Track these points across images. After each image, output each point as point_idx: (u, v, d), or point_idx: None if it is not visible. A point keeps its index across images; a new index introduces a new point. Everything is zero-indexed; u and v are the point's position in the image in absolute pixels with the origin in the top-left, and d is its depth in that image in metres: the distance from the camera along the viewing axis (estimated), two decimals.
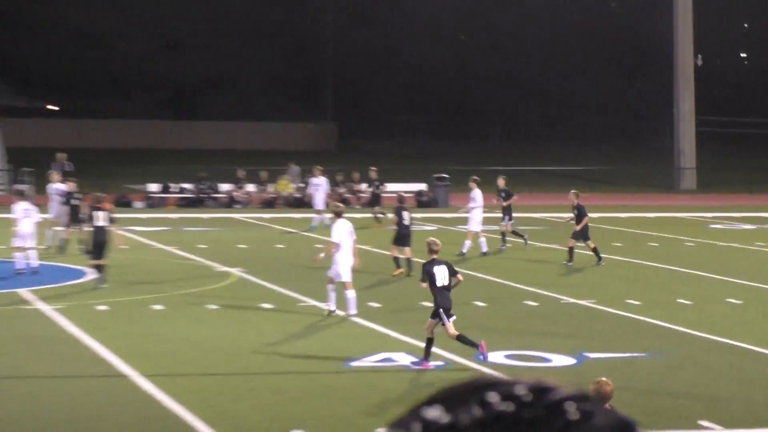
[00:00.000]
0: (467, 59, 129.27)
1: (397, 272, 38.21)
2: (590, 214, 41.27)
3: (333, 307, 30.80)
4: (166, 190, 65.97)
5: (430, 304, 32.52)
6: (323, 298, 33.32)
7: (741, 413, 21.75)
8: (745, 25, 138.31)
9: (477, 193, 44.05)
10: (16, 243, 37.49)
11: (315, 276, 37.94)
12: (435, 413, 1.56)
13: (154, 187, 66.63)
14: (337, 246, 30.76)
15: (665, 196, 74.41)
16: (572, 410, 1.52)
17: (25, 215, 37.45)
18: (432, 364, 25.41)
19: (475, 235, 43.33)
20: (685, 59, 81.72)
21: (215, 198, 64.61)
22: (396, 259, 38.50)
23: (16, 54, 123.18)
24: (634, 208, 63.60)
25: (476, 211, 43.65)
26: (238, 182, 63.78)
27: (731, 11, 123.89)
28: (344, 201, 51.80)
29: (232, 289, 35.88)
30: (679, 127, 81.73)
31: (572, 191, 43.98)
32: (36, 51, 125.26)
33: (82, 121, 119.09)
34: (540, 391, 1.54)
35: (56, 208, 44.19)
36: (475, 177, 45.76)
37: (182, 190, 65.79)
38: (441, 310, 25.63)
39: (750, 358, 26.54)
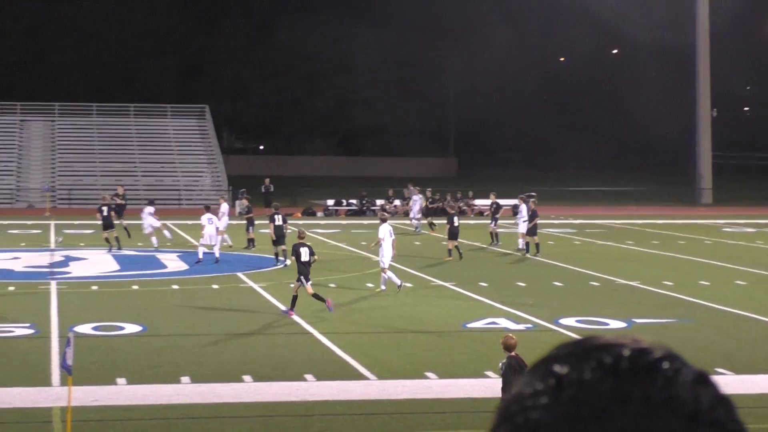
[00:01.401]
0: (542, 108, 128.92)
1: (448, 258, 39.02)
2: (637, 221, 40.77)
3: (399, 282, 30.51)
4: (338, 204, 66.63)
5: (524, 284, 32.44)
6: (447, 279, 33.31)
7: (746, 363, 21.26)
8: (748, 87, 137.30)
9: (523, 208, 43.56)
10: (202, 241, 37.76)
11: (438, 263, 37.90)
12: (563, 369, 1.38)
13: (330, 202, 67.45)
14: (380, 241, 30.85)
15: (689, 208, 73.42)
16: (667, 367, 1.37)
17: (208, 222, 37.60)
18: (294, 313, 25.92)
19: (523, 236, 42.67)
20: (705, 112, 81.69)
21: (373, 210, 65.05)
22: (449, 251, 39.34)
23: (235, 111, 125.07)
24: (666, 217, 62.76)
25: (523, 220, 42.87)
26: (389, 198, 63.87)
27: (738, 77, 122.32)
28: (462, 212, 51.65)
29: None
30: (700, 159, 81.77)
31: (530, 199, 44.07)
32: (249, 108, 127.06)
33: (281, 157, 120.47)
34: (641, 351, 1.38)
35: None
36: (521, 195, 45.29)
37: (350, 204, 66.30)
38: (302, 276, 26.10)
39: (753, 324, 26.05)
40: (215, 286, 31.78)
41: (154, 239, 42.39)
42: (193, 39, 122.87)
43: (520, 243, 42.60)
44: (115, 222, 41.74)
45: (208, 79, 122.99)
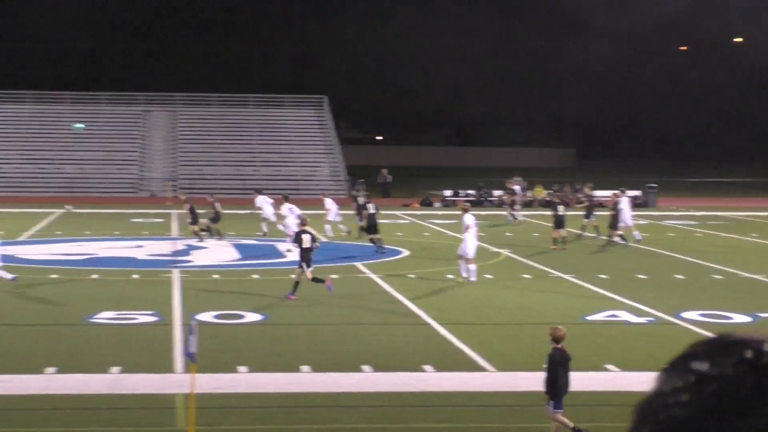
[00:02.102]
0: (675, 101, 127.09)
1: (553, 247, 39.49)
2: (761, 213, 39.92)
3: (465, 275, 30.45)
4: (456, 194, 66.51)
5: (645, 277, 32.01)
6: (566, 271, 33.04)
7: None
8: None
9: (624, 201, 42.89)
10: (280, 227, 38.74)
11: (558, 255, 37.59)
12: (703, 366, 1.37)
13: (448, 192, 67.41)
14: (466, 230, 30.64)
15: None
16: None
17: (290, 212, 38.56)
18: (295, 297, 26.59)
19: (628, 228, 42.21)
20: None
21: (490, 200, 64.93)
22: (554, 239, 39.81)
23: (353, 101, 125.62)
24: None
25: (622, 213, 42.23)
26: (506, 189, 63.56)
27: None
28: (565, 203, 51.51)
29: (503, 263, 35.67)
30: None
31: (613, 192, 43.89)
32: (365, 98, 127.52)
33: (399, 147, 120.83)
34: None
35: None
36: (615, 191, 44.29)
37: (467, 195, 66.13)
38: (303, 263, 26.84)
39: None
40: (333, 276, 31.95)
41: (264, 225, 43.40)
42: (308, 29, 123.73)
43: (636, 235, 42.04)
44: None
45: (326, 69, 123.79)
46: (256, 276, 31.78)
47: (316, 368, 19.37)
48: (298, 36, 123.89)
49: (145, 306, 25.67)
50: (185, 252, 37.87)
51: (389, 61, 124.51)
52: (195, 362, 15.49)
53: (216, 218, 41.93)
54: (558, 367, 14.83)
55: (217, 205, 42.34)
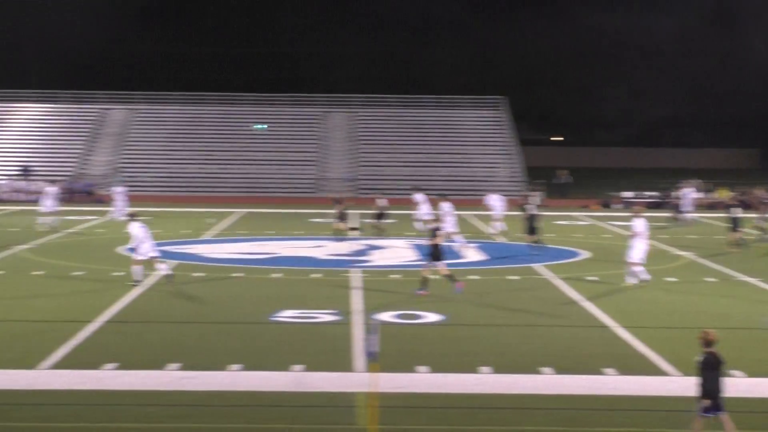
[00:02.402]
0: None
1: (731, 249, 38.97)
2: None
3: (633, 280, 30.00)
4: (637, 196, 65.55)
5: None
6: (753, 275, 32.22)
7: None
8: None
9: None
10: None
11: (743, 258, 36.68)
12: None
13: (628, 194, 66.51)
14: (635, 235, 30.13)
15: None
16: None
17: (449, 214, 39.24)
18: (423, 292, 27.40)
19: None
20: None
21: (669, 202, 63.82)
22: (733, 241, 39.44)
23: (532, 101, 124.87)
24: None
25: None
26: (674, 191, 62.53)
27: None
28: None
29: (685, 266, 34.99)
30: None
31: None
32: (545, 99, 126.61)
33: (578, 148, 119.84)
34: None
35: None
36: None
37: (649, 197, 65.16)
38: (434, 260, 28.12)
39: None
40: (513, 278, 31.86)
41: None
42: (491, 29, 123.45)
43: None
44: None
45: (505, 69, 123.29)
46: (435, 276, 31.87)
47: (497, 369, 19.34)
48: (477, 37, 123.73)
49: (325, 305, 26.02)
50: (365, 252, 38.25)
51: (569, 61, 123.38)
52: (376, 361, 15.65)
53: (381, 216, 42.76)
54: (709, 372, 14.52)
55: (382, 203, 43.17)
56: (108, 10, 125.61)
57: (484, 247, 40.10)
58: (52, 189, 48.32)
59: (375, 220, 44.76)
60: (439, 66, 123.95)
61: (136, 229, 29.33)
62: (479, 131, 79.09)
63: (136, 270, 28.99)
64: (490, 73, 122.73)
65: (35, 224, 46.28)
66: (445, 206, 39.93)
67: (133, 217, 30.22)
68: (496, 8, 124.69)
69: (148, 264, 29.48)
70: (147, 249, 29.21)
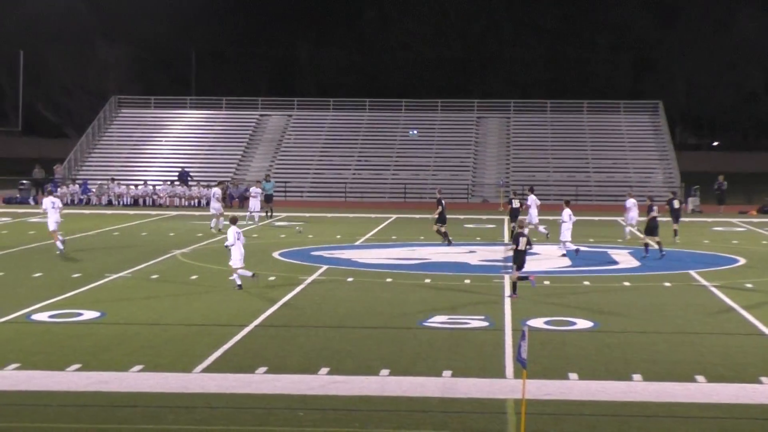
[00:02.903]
0: None
1: None
2: None
3: None
4: None
5: None
6: None
7: None
8: None
9: None
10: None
11: None
12: None
13: None
14: None
15: None
16: None
17: (569, 218, 38.72)
18: (516, 296, 27.98)
19: None
20: None
21: None
22: None
23: (689, 106, 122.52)
24: None
25: None
26: None
27: None
28: None
29: None
30: None
31: None
32: (703, 104, 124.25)
33: (736, 153, 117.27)
34: None
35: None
36: None
37: None
38: (515, 264, 28.37)
39: None
40: (667, 284, 31.32)
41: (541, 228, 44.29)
42: (648, 33, 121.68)
43: None
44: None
45: (663, 74, 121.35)
46: (587, 282, 31.55)
47: (648, 377, 19.02)
48: (638, 41, 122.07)
49: (476, 311, 25.95)
50: None
51: (730, 66, 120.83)
52: (526, 368, 15.54)
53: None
54: None
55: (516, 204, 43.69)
56: (266, 16, 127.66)
57: (635, 253, 39.51)
58: (216, 191, 49.59)
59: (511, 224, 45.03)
60: (597, 70, 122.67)
61: (232, 234, 29.51)
62: (635, 136, 78.06)
63: (242, 274, 29.36)
64: (650, 76, 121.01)
65: (209, 228, 47.40)
66: (566, 213, 39.08)
67: (233, 222, 30.42)
68: (657, 12, 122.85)
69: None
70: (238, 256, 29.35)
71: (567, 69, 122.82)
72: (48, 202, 39.05)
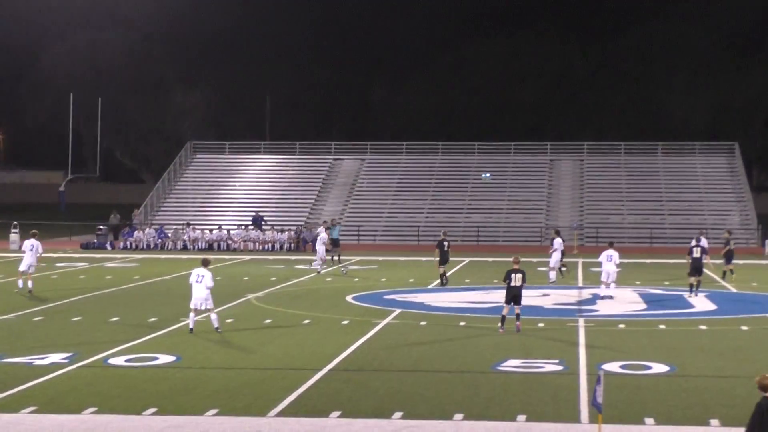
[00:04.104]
0: None
1: None
2: None
3: None
4: None
5: None
6: None
7: None
8: None
9: None
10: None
11: None
12: None
13: None
14: None
15: None
16: None
17: (608, 259, 38.80)
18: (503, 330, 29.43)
19: None
20: None
21: None
22: None
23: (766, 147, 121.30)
24: None
25: None
26: None
27: None
28: None
29: None
30: None
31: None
32: None
33: None
34: None
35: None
36: None
37: None
38: (512, 300, 29.52)
39: None
40: (744, 327, 30.93)
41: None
42: (724, 74, 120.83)
43: None
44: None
45: (740, 115, 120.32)
46: (662, 326, 31.26)
47: (726, 422, 18.78)
48: (714, 82, 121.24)
49: (551, 355, 25.81)
50: (591, 301, 37.84)
51: None
52: (601, 412, 15.42)
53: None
54: (759, 417, 13.77)
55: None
56: (340, 60, 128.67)
57: (712, 296, 39.10)
58: (323, 235, 50.04)
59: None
60: (674, 112, 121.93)
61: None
62: (711, 178, 77.38)
63: None
64: (726, 118, 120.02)
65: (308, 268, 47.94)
66: (606, 254, 39.24)
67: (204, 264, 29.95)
68: (735, 52, 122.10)
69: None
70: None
71: (641, 110, 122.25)
72: (27, 244, 40.38)
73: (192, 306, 29.26)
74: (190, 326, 29.20)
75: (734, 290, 41.83)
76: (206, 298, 29.00)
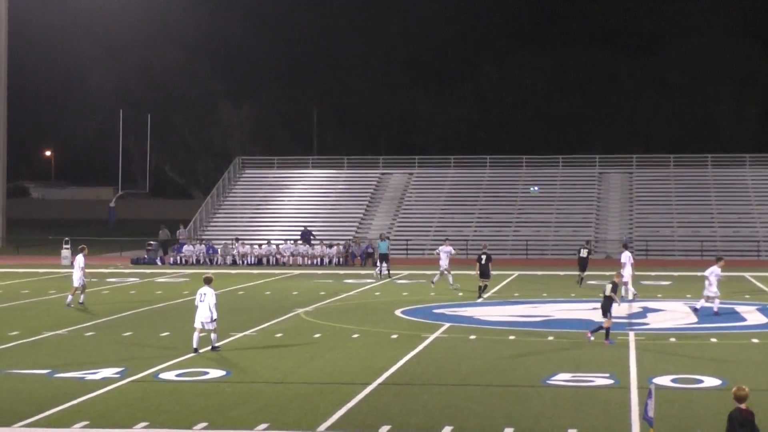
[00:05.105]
0: None
1: None
2: None
3: None
4: None
5: None
6: None
7: None
8: None
9: None
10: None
11: None
12: None
13: None
14: None
15: None
16: None
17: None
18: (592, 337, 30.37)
19: None
20: None
21: None
22: None
23: None
24: None
25: None
26: None
27: None
28: None
29: None
30: None
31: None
32: None
33: None
34: None
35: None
36: None
37: None
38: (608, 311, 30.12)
39: None
40: None
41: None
42: None
43: None
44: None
45: None
46: (714, 339, 31.04)
47: None
48: (764, 93, 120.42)
49: (601, 368, 25.69)
50: (642, 314, 37.64)
51: None
52: (653, 427, 15.35)
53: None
54: (737, 427, 13.64)
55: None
56: (386, 73, 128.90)
57: (764, 310, 38.77)
58: (447, 248, 50.00)
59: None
60: (722, 123, 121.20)
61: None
62: (761, 189, 76.75)
63: None
64: None
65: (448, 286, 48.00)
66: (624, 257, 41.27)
67: (207, 282, 29.63)
68: None
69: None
70: None
71: (690, 122, 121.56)
72: (78, 259, 40.79)
73: (196, 325, 28.77)
74: (194, 345, 28.51)
75: None
76: (210, 316, 28.65)
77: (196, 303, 29.22)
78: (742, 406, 14.52)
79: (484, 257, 44.01)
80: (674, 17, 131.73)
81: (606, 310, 30.04)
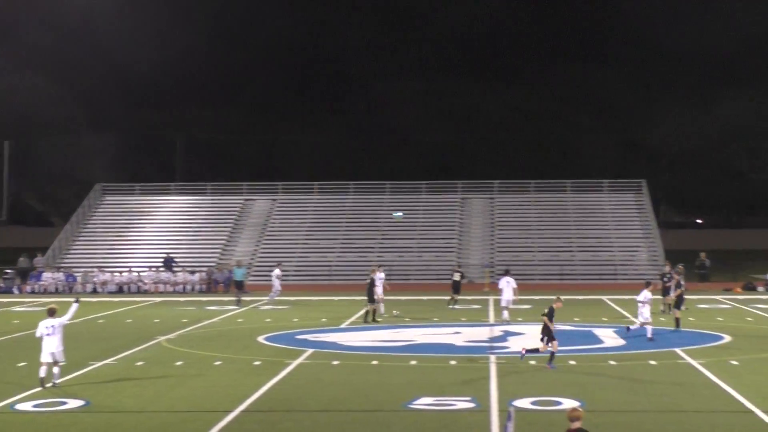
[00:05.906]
0: None
1: None
2: None
3: None
4: None
5: None
6: None
7: None
8: None
9: None
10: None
11: None
12: None
13: None
14: None
15: None
16: None
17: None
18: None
19: None
20: None
21: None
22: None
23: (673, 184, 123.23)
24: None
25: None
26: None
27: None
28: None
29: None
30: None
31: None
32: (687, 182, 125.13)
33: (721, 231, 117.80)
34: None
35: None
36: None
37: None
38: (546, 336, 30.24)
39: None
40: (653, 362, 31.34)
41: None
42: (632, 113, 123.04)
43: None
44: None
45: (647, 153, 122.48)
46: (572, 362, 31.56)
47: None
48: (622, 121, 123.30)
49: (462, 392, 25.92)
50: (502, 338, 38.08)
51: (716, 145, 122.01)
52: None
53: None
54: None
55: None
56: (250, 100, 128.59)
57: (620, 332, 39.56)
58: (379, 275, 48.61)
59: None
60: (581, 150, 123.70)
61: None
62: (619, 215, 78.46)
63: None
64: (634, 156, 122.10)
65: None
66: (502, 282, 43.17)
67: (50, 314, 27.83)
68: (640, 92, 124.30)
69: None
70: None
71: (551, 149, 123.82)
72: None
73: (43, 360, 27.14)
74: (42, 375, 26.97)
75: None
76: (60, 348, 27.27)
77: (39, 335, 27.61)
78: (576, 425, 14.84)
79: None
80: (539, 47, 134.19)
81: (545, 335, 30.27)
